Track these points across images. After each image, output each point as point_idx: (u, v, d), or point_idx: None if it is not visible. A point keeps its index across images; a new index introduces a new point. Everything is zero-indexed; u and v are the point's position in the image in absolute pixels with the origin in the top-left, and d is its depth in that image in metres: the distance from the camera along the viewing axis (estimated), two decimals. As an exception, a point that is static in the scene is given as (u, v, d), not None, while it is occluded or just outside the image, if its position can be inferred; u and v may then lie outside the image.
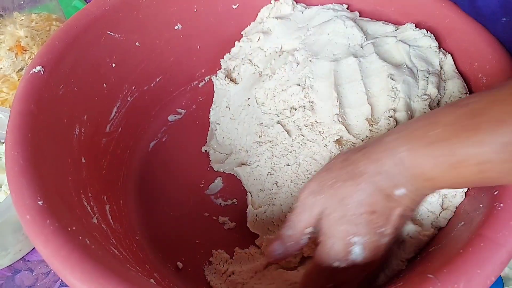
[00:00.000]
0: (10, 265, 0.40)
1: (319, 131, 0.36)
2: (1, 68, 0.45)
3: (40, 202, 0.25)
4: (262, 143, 0.40)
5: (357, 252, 0.26)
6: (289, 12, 0.45)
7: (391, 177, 0.25)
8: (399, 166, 0.24)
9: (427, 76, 0.35)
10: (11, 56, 0.45)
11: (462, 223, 0.28)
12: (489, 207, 0.25)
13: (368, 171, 0.25)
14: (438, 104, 0.35)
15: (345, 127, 0.35)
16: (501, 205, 0.24)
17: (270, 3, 0.46)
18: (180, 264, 0.38)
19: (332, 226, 0.26)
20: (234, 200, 0.42)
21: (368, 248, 0.26)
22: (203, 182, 0.44)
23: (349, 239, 0.26)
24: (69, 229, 0.24)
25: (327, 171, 0.28)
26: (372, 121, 0.34)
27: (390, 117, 0.34)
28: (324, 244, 0.27)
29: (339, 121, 0.35)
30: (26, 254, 0.41)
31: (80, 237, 0.25)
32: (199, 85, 0.51)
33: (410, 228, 0.31)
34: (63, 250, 0.23)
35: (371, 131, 0.34)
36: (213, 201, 0.42)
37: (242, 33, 0.48)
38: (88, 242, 0.25)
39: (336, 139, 0.35)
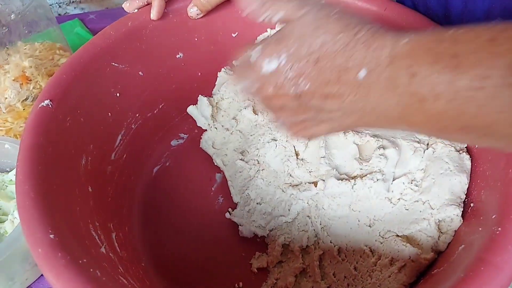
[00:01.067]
0: None
1: (307, 169, 0.37)
2: (7, 98, 0.45)
3: (51, 236, 0.26)
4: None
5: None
6: None
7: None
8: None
9: None
10: (16, 86, 0.46)
11: (463, 246, 0.29)
12: (488, 231, 0.26)
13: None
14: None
15: (334, 168, 0.36)
16: (499, 229, 0.25)
17: (267, 31, 0.47)
18: (186, 290, 0.38)
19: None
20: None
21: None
22: (207, 205, 0.44)
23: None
24: (80, 261, 0.25)
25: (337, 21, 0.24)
26: (361, 159, 0.36)
27: (380, 155, 0.35)
28: None
29: (326, 163, 0.36)
30: (33, 283, 0.41)
31: (91, 269, 0.25)
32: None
33: (411, 251, 0.32)
34: (75, 283, 0.23)
35: (361, 169, 0.36)
36: (218, 223, 0.43)
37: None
38: (99, 274, 0.25)
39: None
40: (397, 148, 0.35)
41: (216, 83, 0.48)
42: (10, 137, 0.46)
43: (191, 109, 0.48)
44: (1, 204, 0.42)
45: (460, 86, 0.20)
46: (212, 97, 0.48)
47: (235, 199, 0.42)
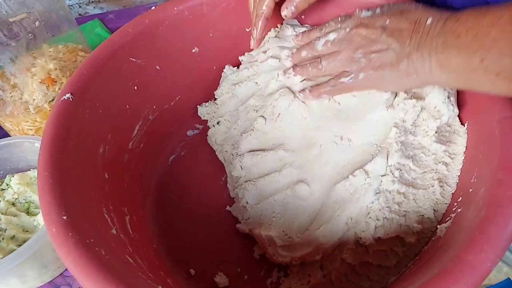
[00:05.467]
0: (51, 280, 0.45)
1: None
2: (35, 99, 0.49)
3: (64, 217, 0.29)
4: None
5: None
6: (290, 33, 0.48)
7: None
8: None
9: None
10: (43, 88, 0.49)
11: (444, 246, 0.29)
12: (469, 232, 0.27)
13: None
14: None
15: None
16: (477, 232, 0.26)
17: (277, 26, 0.49)
18: (192, 271, 0.41)
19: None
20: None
21: None
22: (216, 194, 0.47)
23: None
24: (87, 241, 0.28)
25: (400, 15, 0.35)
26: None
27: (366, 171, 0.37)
28: None
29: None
30: (65, 270, 0.46)
31: (97, 249, 0.28)
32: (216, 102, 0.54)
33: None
34: (81, 260, 0.27)
35: None
36: (226, 210, 0.45)
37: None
38: (103, 253, 0.29)
39: None
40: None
41: (220, 80, 0.50)
42: (40, 135, 0.50)
43: (199, 110, 0.52)
44: (34, 199, 0.47)
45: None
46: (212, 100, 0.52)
47: (231, 194, 0.45)
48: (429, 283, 0.25)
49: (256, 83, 0.46)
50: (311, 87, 0.41)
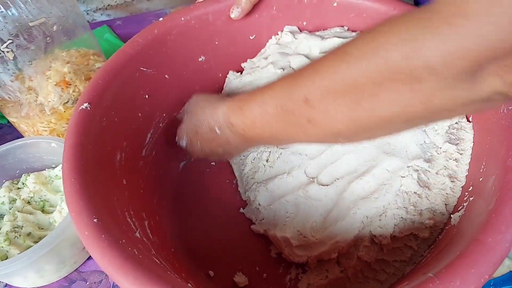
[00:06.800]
0: (67, 276, 0.46)
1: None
2: (50, 101, 0.50)
3: (95, 220, 0.30)
4: None
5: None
6: (290, 40, 0.49)
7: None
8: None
9: None
10: (58, 90, 0.50)
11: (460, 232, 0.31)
12: (484, 216, 0.29)
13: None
14: None
15: None
16: (492, 215, 0.28)
17: (277, 34, 0.51)
18: (211, 273, 0.42)
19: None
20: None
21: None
22: (229, 197, 0.48)
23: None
24: (120, 242, 0.29)
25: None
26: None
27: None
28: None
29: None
30: (80, 266, 0.46)
31: (130, 248, 0.29)
32: (222, 109, 0.55)
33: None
34: (117, 259, 0.27)
35: None
36: (239, 212, 0.46)
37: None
38: (136, 252, 0.29)
39: None
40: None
41: (224, 86, 0.52)
42: (54, 136, 0.51)
43: None
44: (49, 197, 0.48)
45: (245, 122, 0.34)
46: None
47: (243, 197, 0.46)
48: (451, 265, 0.26)
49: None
50: None
